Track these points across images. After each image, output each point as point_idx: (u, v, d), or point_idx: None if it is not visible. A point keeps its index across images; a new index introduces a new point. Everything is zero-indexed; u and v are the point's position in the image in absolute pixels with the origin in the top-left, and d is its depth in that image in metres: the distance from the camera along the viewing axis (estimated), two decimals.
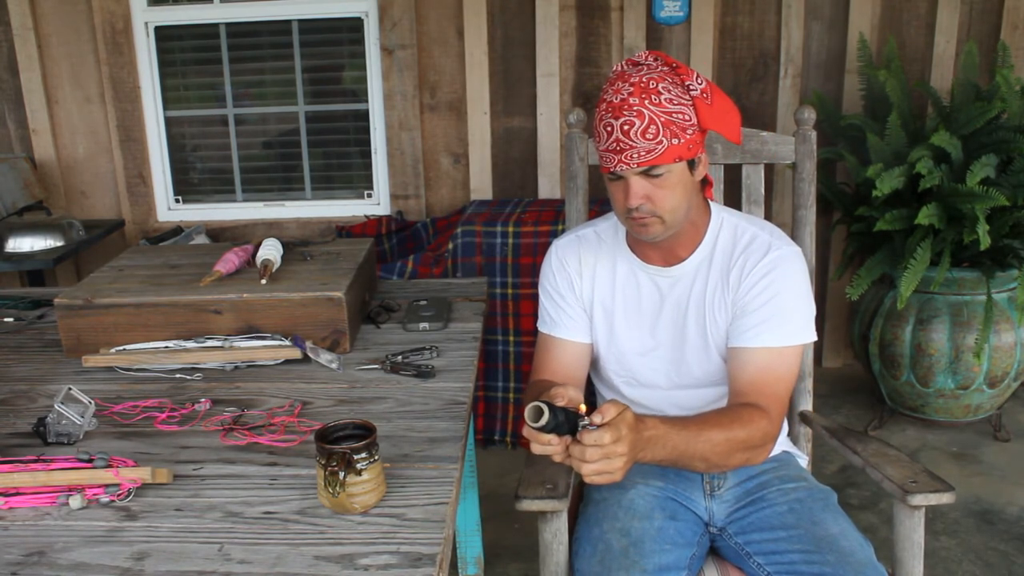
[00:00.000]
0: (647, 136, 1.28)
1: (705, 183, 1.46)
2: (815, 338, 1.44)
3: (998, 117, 2.74)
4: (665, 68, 1.32)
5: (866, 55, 3.05)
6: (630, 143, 1.29)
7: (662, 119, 1.28)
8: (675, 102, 1.29)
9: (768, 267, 1.39)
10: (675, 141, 1.29)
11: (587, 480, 1.14)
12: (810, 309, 1.42)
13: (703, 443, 1.27)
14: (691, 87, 1.31)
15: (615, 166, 1.32)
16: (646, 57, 1.34)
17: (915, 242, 2.62)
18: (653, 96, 1.28)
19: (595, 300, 1.52)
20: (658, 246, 1.44)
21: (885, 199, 2.65)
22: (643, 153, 1.29)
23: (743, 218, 1.48)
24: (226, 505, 1.13)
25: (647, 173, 1.31)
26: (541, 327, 1.57)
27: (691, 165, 1.35)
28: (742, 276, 1.40)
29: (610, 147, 1.31)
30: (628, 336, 1.50)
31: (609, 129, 1.30)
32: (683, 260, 1.45)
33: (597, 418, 1.12)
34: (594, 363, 1.58)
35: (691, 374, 1.48)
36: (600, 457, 1.11)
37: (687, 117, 1.30)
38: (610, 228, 1.54)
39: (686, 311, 1.46)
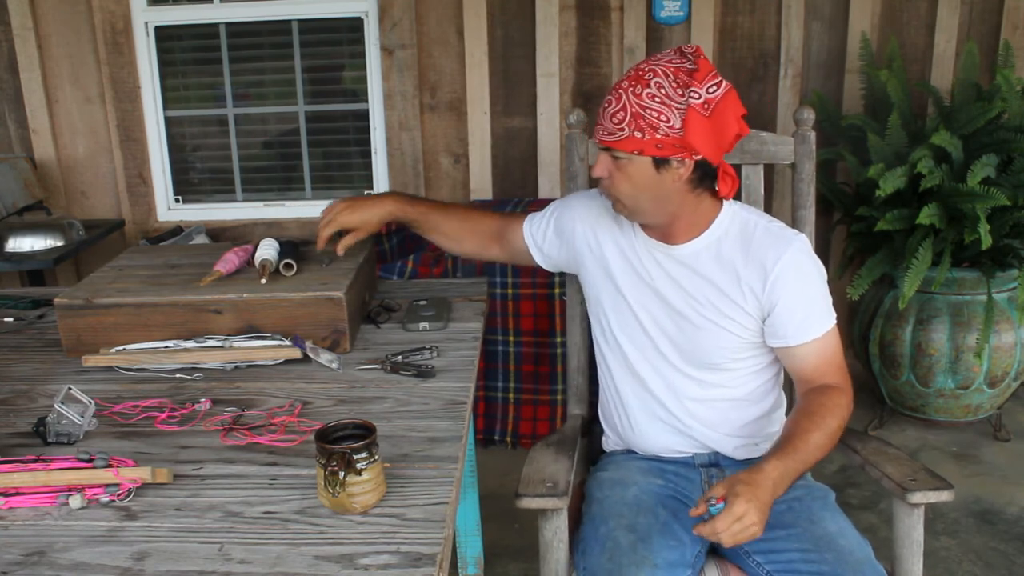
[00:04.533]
0: (614, 120, 1.35)
1: (709, 183, 1.43)
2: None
3: (999, 117, 2.74)
4: (686, 65, 1.33)
5: (868, 55, 3.05)
6: (602, 120, 1.38)
7: (633, 109, 1.33)
8: (657, 99, 1.31)
9: (792, 262, 1.42)
10: (638, 135, 1.33)
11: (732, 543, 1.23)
12: (827, 287, 1.48)
13: (814, 451, 1.34)
14: (693, 93, 1.31)
15: (593, 136, 1.42)
16: (692, 50, 1.35)
17: (916, 242, 2.62)
18: (639, 86, 1.33)
19: (605, 250, 1.55)
20: (650, 227, 1.49)
21: (885, 199, 2.65)
22: (606, 133, 1.37)
23: (754, 212, 1.51)
24: (226, 505, 1.12)
25: (610, 153, 1.38)
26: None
27: (659, 164, 1.35)
28: (768, 273, 1.42)
29: (596, 119, 1.40)
30: (631, 293, 1.53)
31: (602, 102, 1.39)
32: (684, 242, 1.48)
33: (719, 491, 1.24)
34: (600, 339, 1.61)
35: (689, 350, 1.50)
36: (734, 523, 1.21)
37: (665, 118, 1.31)
38: None
39: (691, 289, 1.47)
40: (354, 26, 3.37)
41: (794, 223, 1.77)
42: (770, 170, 3.19)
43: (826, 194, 3.02)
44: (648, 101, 1.32)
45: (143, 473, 1.15)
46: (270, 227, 3.51)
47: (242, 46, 3.45)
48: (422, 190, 3.41)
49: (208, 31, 3.43)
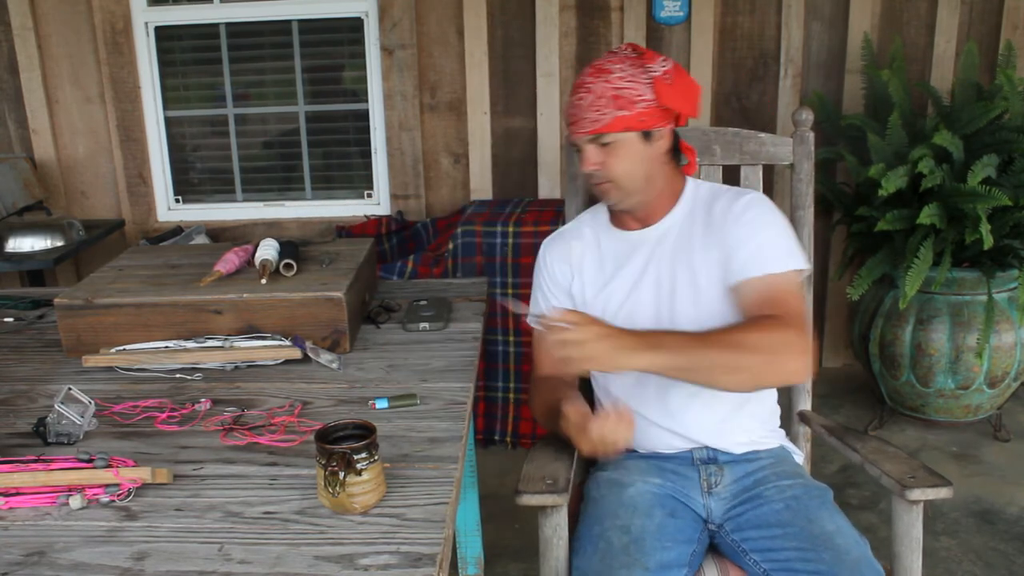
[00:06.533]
0: (595, 108, 1.42)
1: (681, 160, 1.55)
2: (809, 267, 1.51)
3: (999, 117, 2.74)
4: (631, 54, 1.44)
5: (869, 55, 3.05)
6: (581, 115, 1.44)
7: (610, 93, 1.41)
8: (627, 79, 1.41)
9: (747, 205, 1.47)
10: (622, 112, 1.41)
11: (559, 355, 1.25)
12: (795, 239, 1.48)
13: (715, 346, 1.30)
14: (651, 69, 1.42)
15: (572, 136, 1.47)
16: (623, 48, 1.46)
17: (917, 242, 2.62)
18: (605, 75, 1.42)
19: (590, 285, 1.57)
20: (633, 213, 1.53)
21: (885, 199, 2.65)
22: (590, 122, 1.42)
23: (716, 184, 1.59)
24: (226, 505, 1.13)
25: (598, 142, 1.44)
26: (532, 322, 1.63)
27: (647, 136, 1.44)
28: (725, 218, 1.47)
29: (569, 119, 1.47)
30: (620, 300, 1.54)
31: (568, 105, 1.47)
32: (662, 218, 1.53)
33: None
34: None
35: (682, 327, 1.47)
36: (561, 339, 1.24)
37: (639, 92, 1.41)
38: (589, 216, 1.65)
39: (672, 264, 1.50)
40: (354, 26, 3.37)
41: (794, 223, 1.77)
42: (770, 170, 3.19)
43: (826, 194, 3.02)
44: (620, 83, 1.41)
45: (143, 473, 1.15)
46: (270, 227, 3.51)
47: (242, 46, 3.45)
48: (422, 190, 3.41)
49: (208, 31, 3.43)
